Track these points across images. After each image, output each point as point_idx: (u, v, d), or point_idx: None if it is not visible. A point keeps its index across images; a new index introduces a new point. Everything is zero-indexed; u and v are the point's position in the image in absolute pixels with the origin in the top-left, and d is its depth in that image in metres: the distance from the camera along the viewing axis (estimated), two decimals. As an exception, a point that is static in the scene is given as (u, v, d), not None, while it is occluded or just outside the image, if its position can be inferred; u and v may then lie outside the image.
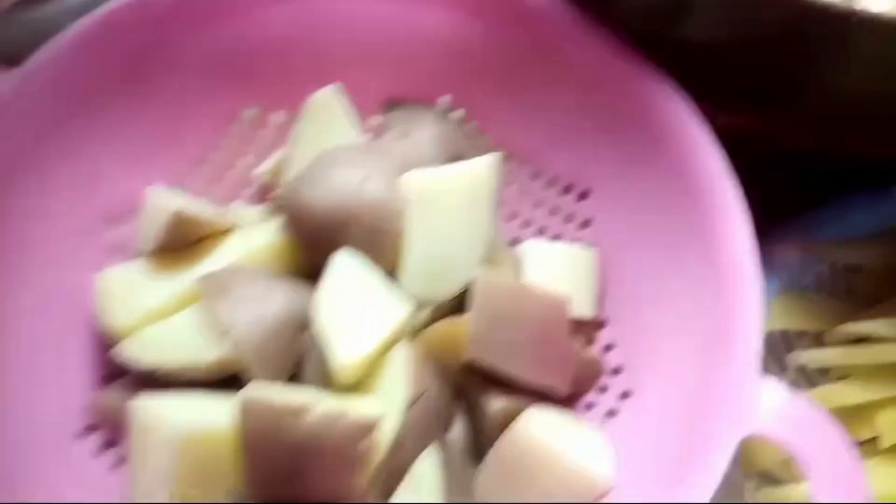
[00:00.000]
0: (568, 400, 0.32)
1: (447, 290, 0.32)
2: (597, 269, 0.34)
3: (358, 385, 0.29)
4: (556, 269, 0.33)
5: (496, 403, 0.30)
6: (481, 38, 0.34)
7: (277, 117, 0.37)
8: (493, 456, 0.30)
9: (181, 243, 0.33)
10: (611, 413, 0.32)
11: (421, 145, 0.34)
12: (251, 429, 0.26)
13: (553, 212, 0.36)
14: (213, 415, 0.28)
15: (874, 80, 0.28)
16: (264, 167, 0.36)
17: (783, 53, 0.28)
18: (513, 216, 0.37)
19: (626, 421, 0.31)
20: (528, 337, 0.30)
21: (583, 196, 0.35)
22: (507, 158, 0.36)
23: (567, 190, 0.35)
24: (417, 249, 0.32)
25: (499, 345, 0.30)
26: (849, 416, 0.32)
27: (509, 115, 0.35)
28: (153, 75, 0.34)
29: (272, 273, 0.32)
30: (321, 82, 0.34)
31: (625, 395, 0.32)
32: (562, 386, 0.31)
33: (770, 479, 0.34)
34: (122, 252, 0.34)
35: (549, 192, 0.36)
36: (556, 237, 0.36)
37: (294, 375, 0.31)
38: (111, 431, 0.32)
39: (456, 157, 0.34)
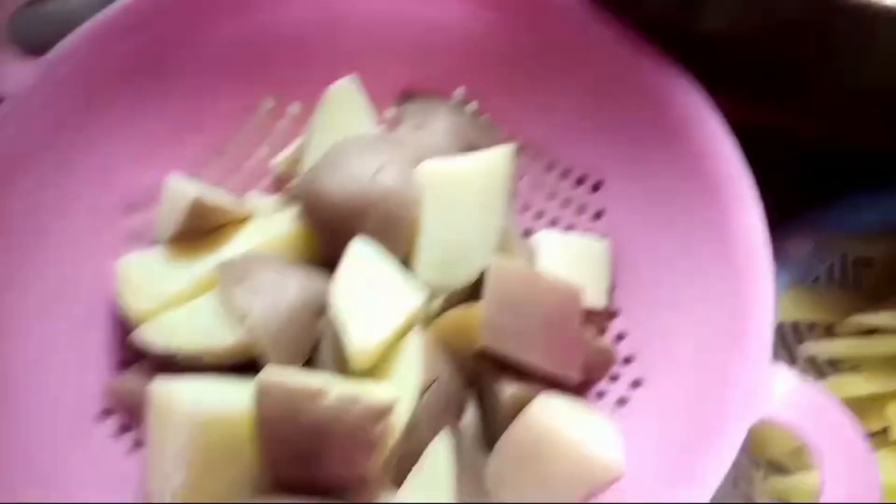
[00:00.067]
0: (579, 388, 0.32)
1: (461, 278, 0.32)
2: (609, 260, 0.34)
3: (372, 371, 0.30)
4: (569, 260, 0.33)
5: (509, 390, 0.30)
6: (495, 30, 0.35)
7: (293, 109, 0.37)
8: (504, 441, 0.30)
9: (199, 231, 0.33)
10: (621, 401, 0.32)
11: (435, 136, 0.34)
12: (268, 411, 0.27)
13: (566, 203, 0.36)
14: (231, 398, 0.28)
15: (891, 72, 0.28)
16: (281, 157, 0.37)
17: (799, 45, 0.28)
18: (526, 207, 0.37)
19: (636, 409, 0.31)
20: (540, 324, 0.30)
21: (596, 187, 0.35)
22: (520, 150, 0.36)
23: (580, 181, 0.36)
24: (432, 238, 0.32)
25: (511, 332, 0.30)
26: (859, 407, 0.31)
27: (522, 107, 0.36)
28: (172, 67, 0.34)
29: (288, 261, 0.33)
30: (337, 75, 0.35)
31: (635, 383, 0.32)
32: (573, 374, 0.31)
33: (779, 468, 0.34)
34: (139, 240, 0.35)
35: (562, 183, 0.36)
36: (569, 228, 0.36)
37: (309, 361, 0.31)
38: (127, 416, 0.32)
39: (470, 148, 0.34)
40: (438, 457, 0.29)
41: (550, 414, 0.29)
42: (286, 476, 0.28)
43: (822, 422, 0.25)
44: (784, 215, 0.33)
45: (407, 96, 0.37)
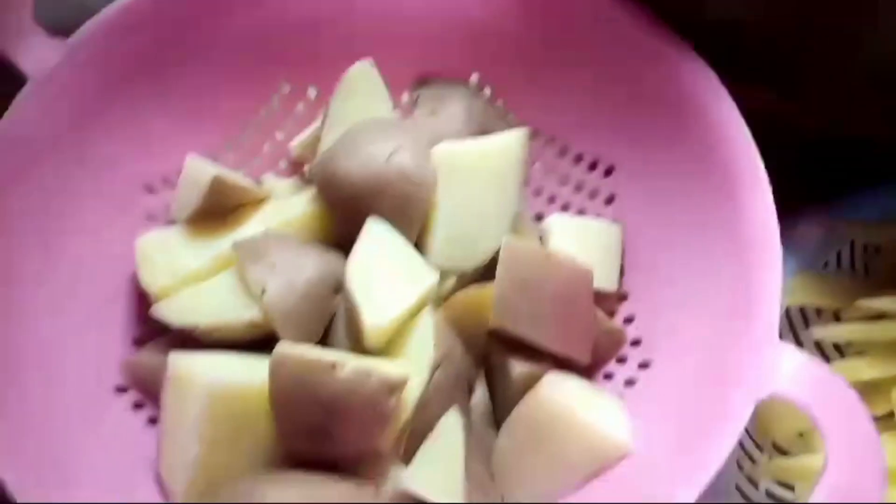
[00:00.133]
0: (588, 369, 0.33)
1: (474, 259, 0.33)
2: (620, 244, 0.35)
3: (385, 348, 0.30)
4: (581, 243, 0.34)
5: (519, 368, 0.31)
6: (509, 15, 0.35)
7: (310, 94, 0.38)
8: (513, 419, 0.31)
9: (217, 211, 0.34)
10: (629, 382, 0.32)
11: (450, 121, 0.35)
12: (283, 382, 0.27)
13: (578, 188, 0.37)
14: (247, 371, 0.29)
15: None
16: (298, 140, 0.37)
17: (812, 29, 0.28)
18: (538, 192, 0.38)
19: (644, 389, 0.31)
20: (551, 305, 0.31)
21: (608, 172, 0.36)
22: (533, 135, 0.36)
23: (592, 166, 0.36)
24: (445, 220, 0.33)
25: (523, 312, 0.30)
26: (864, 391, 0.31)
27: (536, 93, 0.36)
28: (190, 51, 0.35)
29: (304, 240, 0.33)
30: (353, 59, 0.35)
31: (643, 365, 0.32)
32: (583, 354, 0.32)
33: (784, 451, 0.34)
34: (157, 221, 0.35)
35: (574, 168, 0.37)
36: (581, 212, 0.37)
37: (323, 339, 0.32)
38: (142, 393, 0.33)
39: (484, 132, 0.35)
40: (449, 432, 0.29)
41: (559, 392, 0.30)
42: (300, 450, 0.29)
43: (827, 398, 0.25)
44: (794, 201, 0.34)
45: (422, 81, 0.37)
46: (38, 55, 0.31)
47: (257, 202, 0.35)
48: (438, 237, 0.33)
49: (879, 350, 0.33)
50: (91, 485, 0.28)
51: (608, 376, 0.33)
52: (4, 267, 0.30)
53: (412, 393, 0.29)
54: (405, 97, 0.38)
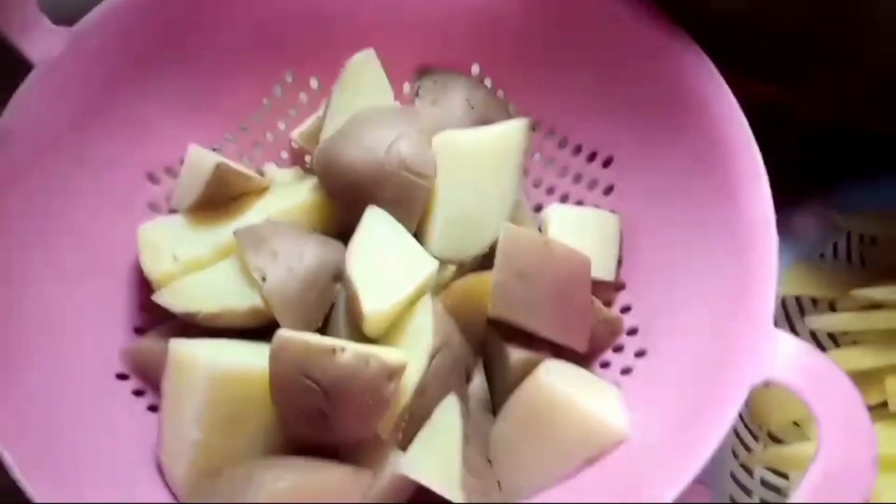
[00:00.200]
0: (586, 358, 0.33)
1: (473, 248, 0.33)
2: (618, 234, 0.35)
3: (384, 335, 0.31)
4: (579, 233, 0.34)
5: (517, 355, 0.31)
6: (511, 7, 0.35)
7: (312, 84, 0.38)
8: (510, 404, 0.31)
9: (219, 199, 0.34)
10: (626, 370, 0.33)
11: (451, 110, 0.35)
12: (283, 366, 0.28)
13: (577, 179, 0.37)
14: (248, 357, 0.30)
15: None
16: (300, 129, 0.38)
17: (810, 25, 0.29)
18: (537, 183, 0.38)
19: (640, 377, 0.32)
20: (549, 293, 0.31)
21: (606, 163, 0.36)
22: (533, 126, 0.37)
23: (591, 157, 0.36)
24: (445, 208, 0.33)
25: (521, 300, 0.31)
26: (859, 380, 0.32)
27: (537, 84, 0.36)
28: (193, 42, 0.35)
29: (305, 229, 0.33)
30: (354, 50, 0.35)
31: (640, 353, 0.33)
32: (581, 344, 0.32)
33: (778, 440, 0.35)
34: (160, 210, 0.36)
35: (573, 159, 0.37)
36: (580, 203, 0.37)
37: (323, 327, 0.32)
38: (142, 380, 0.33)
39: (485, 123, 0.35)
40: (446, 418, 0.29)
41: (556, 379, 0.30)
42: (300, 435, 0.29)
43: (821, 383, 0.25)
44: (790, 192, 0.34)
45: (423, 72, 0.37)
46: (43, 43, 0.32)
47: (259, 191, 0.35)
48: (438, 226, 0.33)
49: (874, 339, 0.33)
50: (92, 468, 0.29)
51: (605, 365, 0.34)
52: (5, 261, 0.30)
53: (411, 379, 0.29)
54: (406, 87, 0.38)
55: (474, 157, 0.33)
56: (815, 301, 0.36)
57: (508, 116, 0.36)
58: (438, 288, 0.33)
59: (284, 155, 0.39)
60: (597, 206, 0.36)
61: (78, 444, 0.29)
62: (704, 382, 0.27)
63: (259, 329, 0.32)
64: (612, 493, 0.28)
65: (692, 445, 0.26)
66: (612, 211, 0.35)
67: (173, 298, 0.32)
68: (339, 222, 0.34)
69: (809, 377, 0.25)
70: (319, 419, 0.28)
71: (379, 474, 0.29)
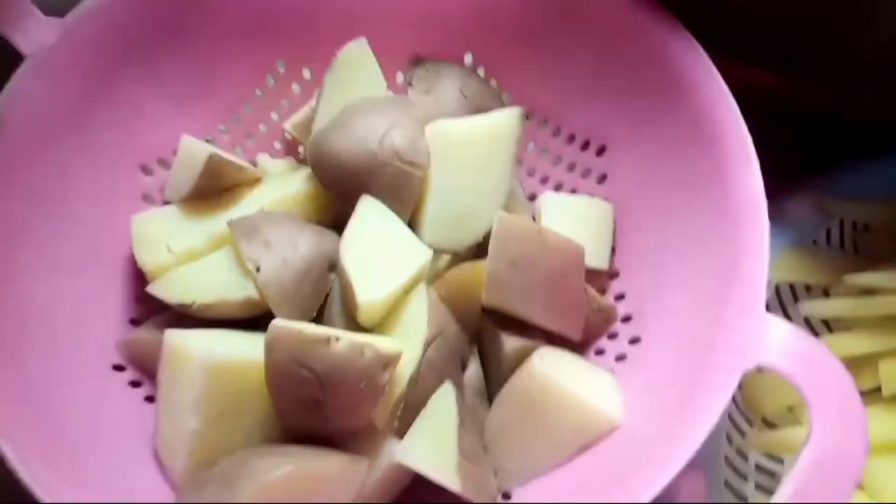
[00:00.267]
0: (580, 345, 0.33)
1: (467, 238, 0.33)
2: (612, 222, 0.35)
3: (379, 325, 0.31)
4: (573, 221, 0.34)
5: (511, 343, 0.31)
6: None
7: (305, 74, 0.38)
8: (505, 392, 0.31)
9: (212, 190, 0.34)
10: (620, 357, 0.33)
11: (445, 99, 0.35)
12: (279, 357, 0.28)
13: (570, 168, 0.37)
14: (244, 347, 0.30)
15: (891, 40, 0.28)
16: (293, 120, 0.38)
17: (809, 9, 0.28)
18: (531, 172, 0.38)
19: (635, 364, 0.32)
20: (543, 281, 0.31)
21: (600, 151, 0.36)
22: (527, 115, 0.37)
23: (585, 146, 0.36)
24: (439, 198, 0.33)
25: (515, 288, 0.31)
26: (852, 366, 0.32)
27: (530, 73, 0.36)
28: (187, 31, 0.35)
29: (299, 219, 0.33)
30: (347, 39, 0.35)
31: (634, 340, 0.33)
32: (575, 331, 0.32)
33: (772, 425, 0.35)
34: (153, 201, 0.36)
35: (567, 148, 0.37)
36: (573, 191, 0.37)
37: (317, 317, 0.32)
38: (139, 371, 0.33)
39: (479, 112, 0.35)
40: (442, 406, 0.30)
41: (550, 365, 0.30)
42: (296, 424, 0.29)
43: (813, 368, 0.25)
44: (785, 178, 0.34)
45: (416, 61, 0.37)
46: (35, 34, 0.32)
47: (252, 182, 0.35)
48: (432, 216, 0.33)
49: (867, 325, 0.33)
50: (89, 458, 0.29)
51: (599, 352, 0.34)
52: (4, 252, 0.30)
53: (406, 368, 0.29)
54: (399, 77, 0.38)
55: (468, 146, 0.33)
56: (808, 287, 0.36)
57: (502, 105, 0.36)
58: (433, 277, 0.33)
59: (278, 145, 0.39)
60: (590, 194, 0.36)
61: (76, 435, 0.29)
62: (698, 368, 0.28)
63: (254, 319, 0.32)
64: (607, 478, 0.28)
65: (686, 430, 0.26)
66: (606, 199, 0.36)
67: (167, 289, 0.32)
68: (333, 212, 0.34)
69: (802, 362, 0.25)
70: (315, 408, 0.28)
71: (375, 462, 0.29)
